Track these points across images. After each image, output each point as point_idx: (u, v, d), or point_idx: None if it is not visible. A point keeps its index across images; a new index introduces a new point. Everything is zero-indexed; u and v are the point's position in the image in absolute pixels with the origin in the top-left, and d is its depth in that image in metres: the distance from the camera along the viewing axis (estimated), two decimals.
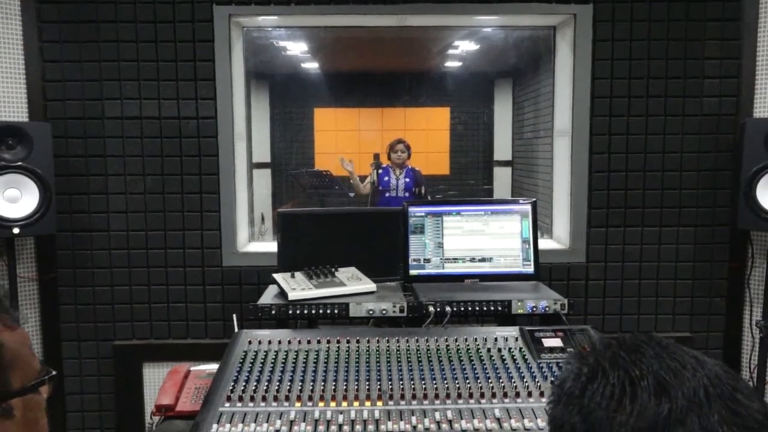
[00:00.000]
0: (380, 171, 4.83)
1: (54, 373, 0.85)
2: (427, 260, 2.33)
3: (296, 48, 6.21)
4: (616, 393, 0.53)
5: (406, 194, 4.66)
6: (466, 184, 8.09)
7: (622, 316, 2.81)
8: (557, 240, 2.97)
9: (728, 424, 0.50)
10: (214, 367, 1.71)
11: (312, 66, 7.21)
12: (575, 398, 0.56)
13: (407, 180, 4.74)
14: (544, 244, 2.93)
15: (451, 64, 7.17)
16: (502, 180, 7.93)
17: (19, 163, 2.25)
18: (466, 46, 6.27)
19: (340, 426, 1.37)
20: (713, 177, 2.75)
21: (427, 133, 8.17)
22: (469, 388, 1.49)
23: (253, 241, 3.16)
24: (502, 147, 7.94)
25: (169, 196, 2.73)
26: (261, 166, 7.23)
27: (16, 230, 2.24)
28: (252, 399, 1.46)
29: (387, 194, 4.74)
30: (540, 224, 3.31)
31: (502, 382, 1.52)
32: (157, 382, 2.75)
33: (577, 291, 2.78)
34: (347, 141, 7.87)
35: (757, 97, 2.70)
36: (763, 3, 2.66)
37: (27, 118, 2.61)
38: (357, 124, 8.18)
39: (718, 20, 2.70)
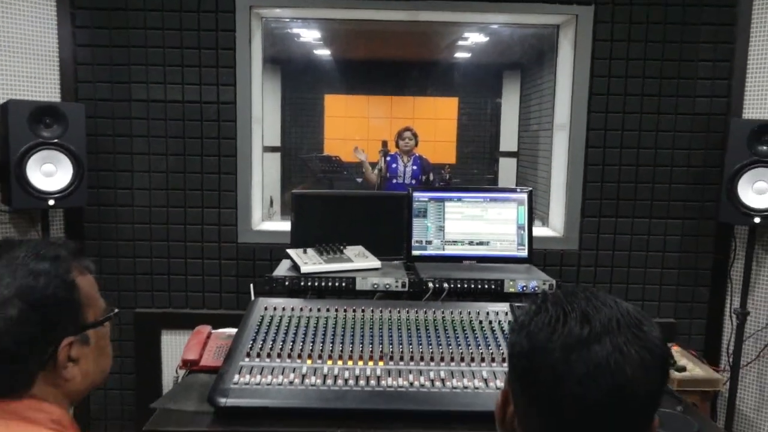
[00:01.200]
0: (388, 158, 4.99)
1: (116, 311, 1.04)
2: (429, 242, 2.51)
3: (309, 35, 6.36)
4: (553, 321, 0.71)
5: (413, 182, 4.82)
6: (470, 173, 8.24)
7: None
8: (553, 228, 3.14)
9: (632, 344, 0.68)
10: (232, 331, 1.90)
11: (324, 53, 7.35)
12: (525, 326, 0.74)
13: (414, 168, 4.90)
14: (541, 231, 3.11)
15: (461, 56, 7.30)
16: (507, 170, 8.08)
17: (55, 141, 2.43)
18: (475, 38, 6.40)
19: (346, 380, 1.56)
20: (702, 173, 2.91)
21: (436, 123, 8.32)
22: (461, 353, 1.68)
23: (266, 221, 3.35)
24: (508, 138, 8.06)
25: (189, 176, 2.92)
26: (271, 150, 7.40)
27: (51, 202, 2.43)
28: (268, 356, 1.65)
29: (394, 181, 4.90)
30: (539, 213, 3.50)
31: (490, 349, 1.71)
32: (174, 347, 2.95)
33: (569, 276, 2.95)
34: (356, 128, 8.02)
35: (747, 98, 2.85)
36: (755, 9, 2.81)
37: (59, 99, 2.79)
38: (366, 111, 8.33)
39: (713, 24, 2.84)
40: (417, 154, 5.00)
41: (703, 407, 2.61)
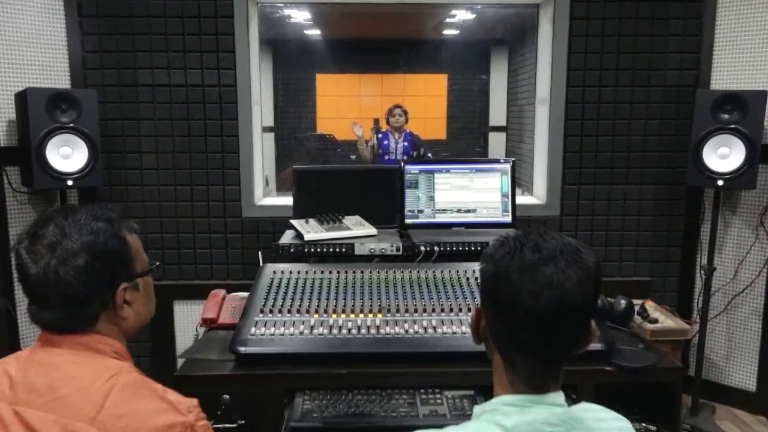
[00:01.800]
0: (380, 135, 5.17)
1: (158, 264, 1.25)
2: (421, 211, 2.72)
3: (300, 16, 6.48)
4: (511, 251, 0.91)
5: (404, 157, 4.99)
6: (460, 147, 8.43)
7: None
8: (536, 196, 3.36)
9: (571, 266, 0.88)
10: (244, 294, 2.11)
11: (314, 33, 7.47)
12: (491, 256, 0.94)
13: (405, 144, 5.08)
14: (525, 199, 3.33)
15: (449, 33, 7.45)
16: (496, 145, 8.27)
17: (71, 125, 2.62)
18: (462, 16, 6.55)
19: (350, 330, 1.78)
20: (674, 141, 3.13)
21: (426, 99, 8.48)
22: (450, 304, 1.90)
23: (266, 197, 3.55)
24: (497, 113, 8.22)
25: (194, 155, 3.11)
26: (265, 130, 7.55)
27: (69, 182, 2.62)
28: (280, 311, 1.86)
29: (386, 157, 5.08)
30: (525, 183, 3.71)
31: (476, 301, 1.93)
32: (186, 316, 3.17)
33: None
34: (348, 106, 8.17)
35: (714, 70, 3.05)
36: None
37: (70, 86, 2.96)
38: (358, 89, 8.48)
39: (682, 0, 3.03)
40: (408, 131, 5.17)
41: (675, 355, 2.86)
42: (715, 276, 3.04)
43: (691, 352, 3.20)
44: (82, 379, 1.01)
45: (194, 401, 1.05)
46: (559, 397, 0.93)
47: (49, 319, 1.07)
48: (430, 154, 5.31)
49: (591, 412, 0.95)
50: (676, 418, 1.73)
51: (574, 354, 0.94)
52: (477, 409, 0.95)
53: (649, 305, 2.97)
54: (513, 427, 0.88)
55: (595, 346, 1.71)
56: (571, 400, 1.09)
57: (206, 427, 1.03)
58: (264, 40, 7.40)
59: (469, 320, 1.82)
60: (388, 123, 5.19)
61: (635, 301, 2.93)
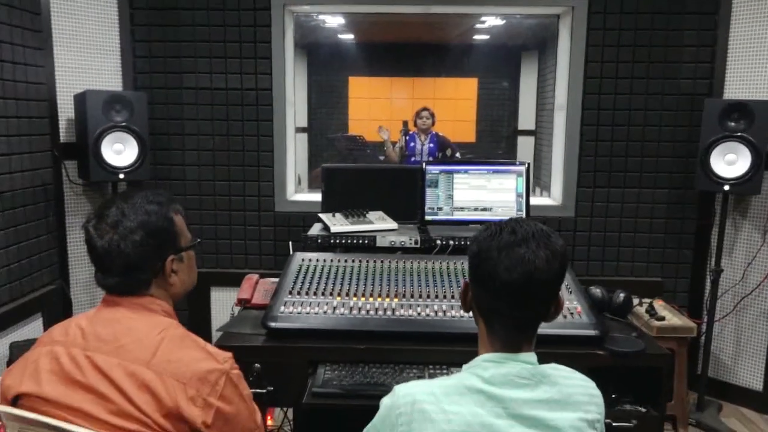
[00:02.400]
0: (407, 137, 5.35)
1: (199, 240, 1.48)
2: (440, 208, 2.91)
3: (334, 21, 6.72)
4: (493, 233, 1.11)
5: (429, 158, 5.15)
6: (489, 150, 8.58)
7: (604, 262, 3.38)
8: (553, 198, 3.52)
9: (541, 248, 1.07)
10: (275, 280, 2.34)
11: (348, 37, 7.70)
12: (476, 238, 1.13)
13: (431, 145, 5.25)
14: (542, 200, 3.50)
15: (479, 38, 7.60)
16: (525, 148, 8.38)
17: (124, 124, 2.90)
18: (492, 21, 6.70)
19: (368, 311, 1.98)
20: (686, 147, 3.26)
21: (456, 102, 8.63)
22: (459, 292, 2.09)
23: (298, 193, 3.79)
24: (526, 117, 8.32)
25: (232, 153, 3.36)
26: (298, 130, 7.81)
27: (121, 176, 2.90)
28: (307, 293, 2.08)
29: (413, 158, 5.26)
30: (546, 184, 3.86)
31: None
32: (222, 301, 3.43)
33: (566, 240, 3.31)
34: (379, 108, 8.38)
35: (727, 80, 3.17)
36: None
37: (121, 87, 3.25)
38: (389, 92, 8.68)
39: (696, 13, 3.16)
40: (434, 132, 5.33)
41: (680, 352, 2.99)
42: (724, 278, 3.16)
43: (699, 351, 3.32)
44: (139, 331, 1.23)
45: (229, 354, 1.26)
46: (531, 356, 1.12)
47: (111, 284, 1.30)
48: (458, 154, 5.45)
49: (558, 370, 1.14)
50: (663, 400, 1.90)
51: (546, 321, 1.14)
52: (464, 366, 1.15)
53: (659, 304, 3.11)
54: (490, 378, 1.08)
55: (589, 332, 1.89)
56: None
57: (239, 375, 1.24)
58: (299, 44, 7.71)
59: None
60: (415, 125, 5.33)
61: (645, 300, 3.10)
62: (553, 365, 1.15)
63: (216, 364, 1.20)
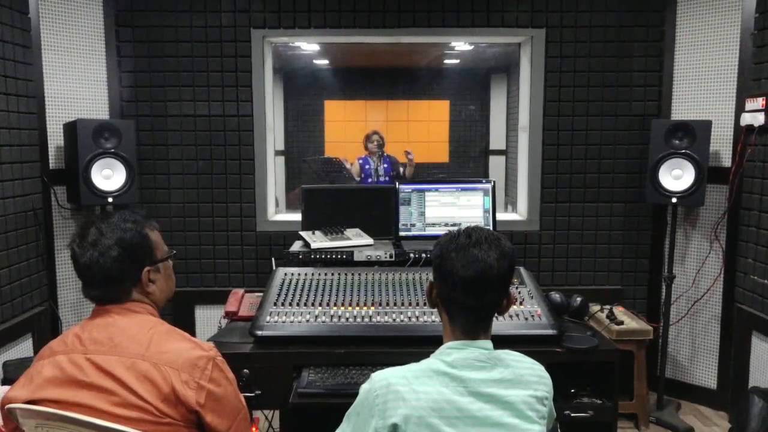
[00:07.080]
0: (360, 160, 5.43)
1: (175, 252, 1.64)
2: (413, 225, 3.11)
3: (309, 48, 6.95)
4: (452, 238, 1.31)
5: (387, 178, 5.26)
6: (461, 170, 8.84)
7: (567, 272, 3.60)
8: (519, 213, 3.75)
9: (492, 249, 1.27)
10: (259, 294, 2.50)
11: (323, 62, 7.93)
12: (438, 242, 1.33)
13: (385, 166, 5.39)
14: (508, 216, 3.72)
15: (450, 62, 7.91)
16: (497, 167, 8.66)
17: (113, 150, 3.05)
18: (460, 47, 7.00)
19: (347, 318, 2.16)
20: (639, 164, 3.52)
21: (429, 124, 8.89)
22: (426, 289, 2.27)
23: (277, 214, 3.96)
24: (497, 137, 8.62)
25: (215, 176, 3.53)
26: (276, 153, 7.98)
27: (110, 200, 3.05)
28: (290, 304, 2.25)
29: (369, 180, 5.35)
30: (513, 200, 4.09)
31: None
32: (206, 319, 3.57)
33: (532, 252, 3.56)
34: (355, 131, 8.54)
35: (674, 101, 3.46)
36: (678, 27, 3.40)
37: (108, 116, 3.41)
38: (364, 115, 8.91)
39: (644, 41, 3.45)
40: (386, 154, 5.47)
41: (639, 354, 3.22)
42: (678, 284, 3.41)
43: (657, 353, 3.55)
44: (131, 330, 1.39)
45: (211, 343, 1.44)
46: (487, 343, 1.32)
47: (95, 295, 1.45)
48: (402, 168, 5.54)
49: (511, 355, 1.33)
50: (616, 392, 2.10)
51: (500, 313, 1.34)
52: (431, 355, 1.34)
53: (619, 310, 3.34)
54: (452, 362, 1.27)
55: (548, 331, 2.10)
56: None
57: (223, 361, 1.40)
58: (275, 69, 7.92)
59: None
60: (366, 148, 5.44)
61: (605, 306, 3.32)
62: (507, 351, 1.34)
63: (203, 352, 1.37)
